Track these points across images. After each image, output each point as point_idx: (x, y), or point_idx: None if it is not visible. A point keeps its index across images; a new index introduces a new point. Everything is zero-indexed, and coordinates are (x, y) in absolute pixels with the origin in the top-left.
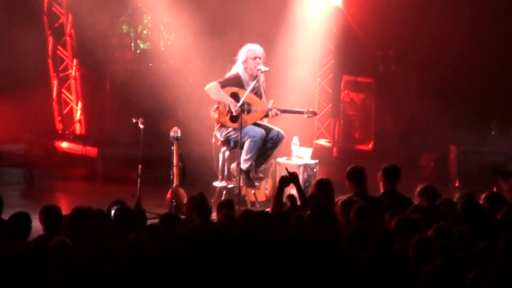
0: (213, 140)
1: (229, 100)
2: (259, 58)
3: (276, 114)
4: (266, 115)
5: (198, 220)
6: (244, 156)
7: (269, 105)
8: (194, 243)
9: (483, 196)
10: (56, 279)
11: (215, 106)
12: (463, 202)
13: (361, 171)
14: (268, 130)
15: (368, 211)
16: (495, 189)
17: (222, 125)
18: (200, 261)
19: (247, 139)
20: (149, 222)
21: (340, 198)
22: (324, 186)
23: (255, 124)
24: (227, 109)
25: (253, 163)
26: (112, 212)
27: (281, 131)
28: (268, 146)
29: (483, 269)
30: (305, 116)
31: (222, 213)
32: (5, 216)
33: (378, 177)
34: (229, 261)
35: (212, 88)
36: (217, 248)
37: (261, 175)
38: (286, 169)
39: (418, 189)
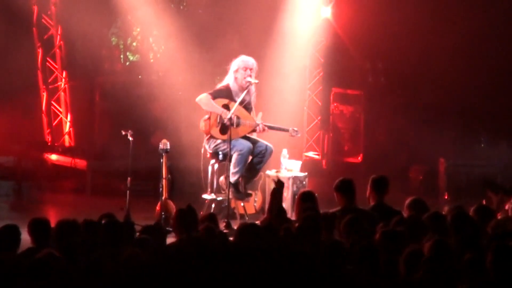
0: (202, 151)
1: (221, 110)
2: (250, 70)
3: (264, 130)
4: (254, 130)
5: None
6: (232, 169)
7: (259, 118)
8: (180, 257)
9: (472, 209)
10: None
11: (206, 116)
12: (453, 215)
13: (350, 183)
14: (255, 143)
15: (358, 224)
16: (484, 202)
17: (212, 137)
18: (187, 275)
19: (234, 152)
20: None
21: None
22: (307, 198)
23: (243, 137)
24: (217, 120)
25: (243, 179)
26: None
27: (270, 145)
28: (256, 161)
29: (472, 281)
30: (290, 134)
31: (203, 226)
32: None
33: (368, 189)
34: (215, 274)
35: (203, 99)
36: (203, 262)
37: (249, 191)
38: (276, 179)
39: (407, 201)
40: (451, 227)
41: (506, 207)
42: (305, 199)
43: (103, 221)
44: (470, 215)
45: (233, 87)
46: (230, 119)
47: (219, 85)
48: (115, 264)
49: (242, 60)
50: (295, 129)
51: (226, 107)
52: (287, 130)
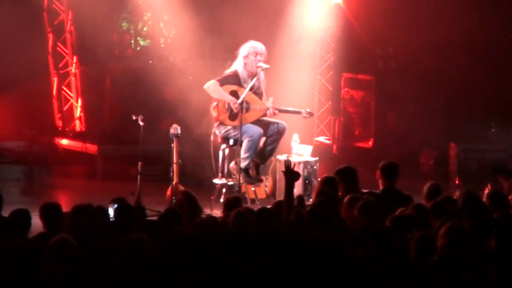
0: (212, 137)
1: (229, 98)
2: (260, 55)
3: (274, 114)
4: (265, 115)
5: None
6: (242, 154)
7: (269, 103)
8: (196, 242)
9: (485, 193)
10: (57, 275)
11: (215, 103)
12: (464, 199)
13: (353, 170)
14: (267, 125)
15: (373, 208)
16: (489, 186)
17: (221, 123)
18: (201, 260)
19: (245, 138)
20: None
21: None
22: (327, 183)
23: (254, 122)
24: (226, 107)
25: (254, 164)
26: (111, 209)
27: (282, 122)
28: (270, 141)
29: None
30: (303, 116)
31: (235, 212)
32: (5, 213)
33: (377, 175)
34: (231, 260)
35: (211, 86)
36: (218, 247)
37: (261, 177)
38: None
39: (427, 185)
40: (463, 211)
41: None
42: (325, 183)
43: (112, 206)
44: (481, 200)
45: (242, 73)
46: (241, 103)
47: (227, 71)
48: (120, 248)
49: (252, 46)
50: (308, 110)
51: (235, 93)
52: (299, 112)
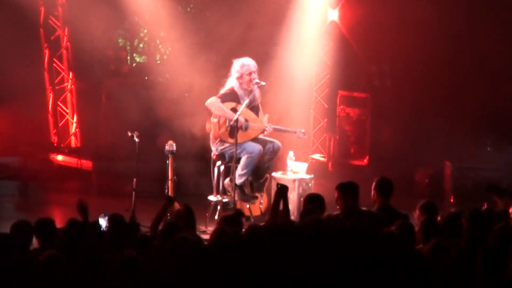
0: (212, 154)
1: (231, 114)
2: (254, 72)
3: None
4: (262, 132)
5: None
6: (239, 171)
7: (265, 119)
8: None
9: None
10: None
11: (215, 120)
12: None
13: (355, 186)
14: (264, 143)
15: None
16: (485, 206)
17: (221, 140)
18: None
19: (244, 155)
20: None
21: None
22: (315, 201)
23: (252, 140)
24: (227, 124)
25: (252, 177)
26: (102, 220)
27: (277, 142)
28: (266, 158)
29: None
30: (297, 136)
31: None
32: (1, 228)
33: (373, 192)
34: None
35: (213, 103)
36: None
37: (256, 194)
38: (278, 184)
39: (420, 204)
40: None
41: (511, 210)
42: (308, 201)
43: (105, 217)
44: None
45: (239, 91)
46: (237, 121)
47: (224, 89)
48: (112, 266)
49: (243, 64)
50: (302, 130)
51: (234, 110)
52: (294, 132)
